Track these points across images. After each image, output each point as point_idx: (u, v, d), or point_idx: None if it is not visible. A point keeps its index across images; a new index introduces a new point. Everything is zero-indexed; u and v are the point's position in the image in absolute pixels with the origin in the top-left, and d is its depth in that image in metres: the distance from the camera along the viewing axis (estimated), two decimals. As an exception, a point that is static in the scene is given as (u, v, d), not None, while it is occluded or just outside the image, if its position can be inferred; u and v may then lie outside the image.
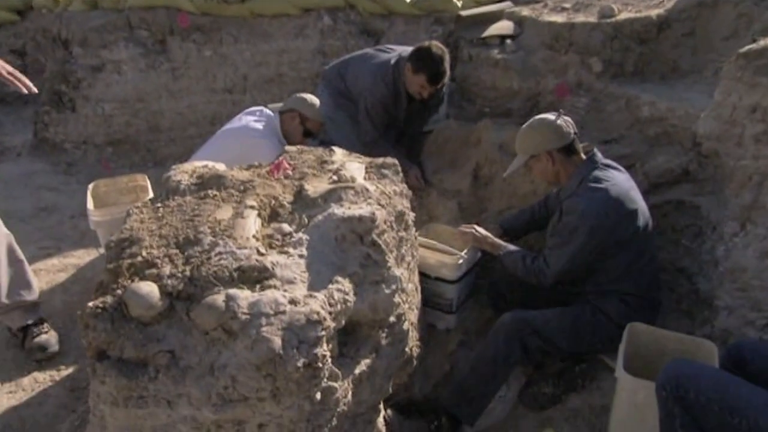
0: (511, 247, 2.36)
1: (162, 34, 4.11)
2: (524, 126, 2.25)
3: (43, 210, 3.32)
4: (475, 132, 3.21)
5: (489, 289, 2.59)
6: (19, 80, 1.90)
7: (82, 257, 2.90)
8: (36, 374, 2.15)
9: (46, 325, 2.27)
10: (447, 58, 3.03)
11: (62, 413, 2.00)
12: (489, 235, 2.41)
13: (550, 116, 2.19)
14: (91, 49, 3.96)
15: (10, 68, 1.90)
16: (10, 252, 2.17)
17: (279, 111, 3.34)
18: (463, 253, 2.42)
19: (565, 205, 2.12)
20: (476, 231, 2.42)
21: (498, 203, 2.94)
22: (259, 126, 3.21)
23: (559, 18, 3.32)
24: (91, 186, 2.73)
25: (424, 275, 2.41)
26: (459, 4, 3.96)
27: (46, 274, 2.42)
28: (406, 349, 1.97)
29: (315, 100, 3.33)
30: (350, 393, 1.65)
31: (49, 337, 2.22)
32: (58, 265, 2.80)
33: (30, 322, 2.22)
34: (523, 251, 2.32)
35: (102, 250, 2.76)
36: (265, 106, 3.44)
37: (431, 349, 2.42)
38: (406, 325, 1.94)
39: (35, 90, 1.93)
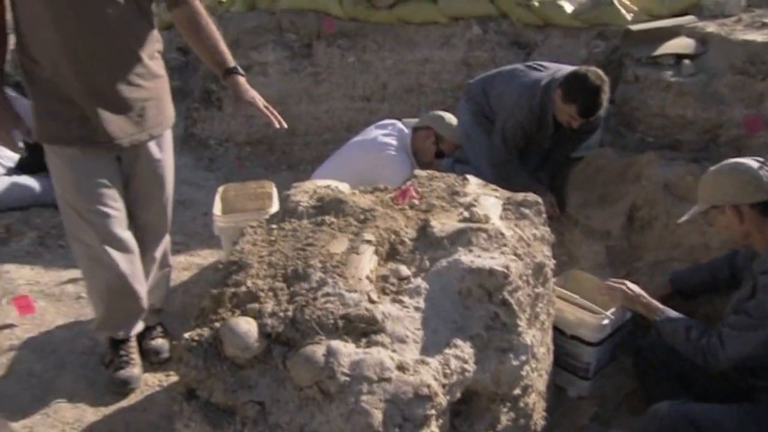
0: (671, 312, 1.95)
1: (309, 38, 4.12)
2: (713, 169, 1.83)
3: (180, 204, 3.44)
4: (635, 165, 2.77)
5: (636, 355, 2.17)
6: (273, 114, 1.98)
7: (206, 258, 2.94)
8: (147, 376, 2.15)
9: (162, 328, 2.27)
10: (606, 89, 2.61)
11: (163, 424, 1.96)
12: (643, 294, 2.01)
13: (751, 162, 1.75)
14: (242, 50, 4.07)
15: (265, 102, 1.99)
16: (164, 257, 2.22)
17: (413, 127, 3.15)
18: (609, 312, 2.04)
19: (761, 280, 1.67)
20: (628, 288, 2.03)
21: (656, 253, 2.49)
22: (391, 141, 3.05)
23: (757, 36, 2.76)
24: (220, 189, 2.74)
25: (557, 330, 2.07)
26: (629, 17, 3.49)
27: (172, 271, 2.44)
28: (531, 424, 1.66)
29: (453, 119, 3.10)
30: (458, 477, 1.40)
31: (164, 341, 2.22)
32: (183, 263, 2.85)
33: (151, 324, 2.23)
34: (687, 320, 1.90)
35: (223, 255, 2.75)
36: (400, 120, 3.28)
37: (557, 419, 2.07)
38: (533, 398, 1.63)
39: (285, 125, 1.99)
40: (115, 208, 1.91)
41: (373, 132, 3.12)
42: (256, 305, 1.39)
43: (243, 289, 1.44)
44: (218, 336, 1.34)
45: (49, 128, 1.79)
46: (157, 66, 1.92)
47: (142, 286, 2.02)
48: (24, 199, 3.14)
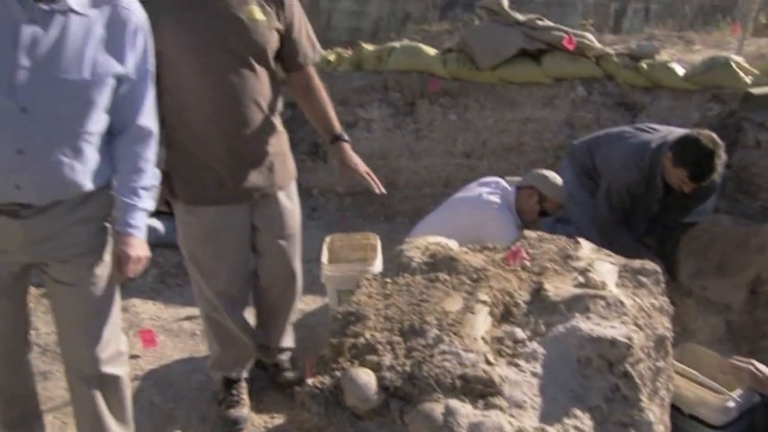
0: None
1: (412, 97, 4.29)
2: None
3: (285, 250, 3.62)
4: (759, 235, 2.61)
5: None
6: (373, 180, 2.08)
7: (309, 303, 3.05)
8: (253, 416, 2.23)
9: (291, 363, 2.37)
10: (720, 153, 2.51)
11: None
12: None
13: None
14: (349, 107, 4.30)
15: (367, 168, 2.10)
16: (293, 305, 2.32)
17: (516, 185, 3.16)
18: (735, 394, 1.90)
19: None
20: (756, 368, 1.88)
21: (785, 332, 2.31)
22: (494, 198, 3.07)
23: None
24: (327, 239, 2.86)
25: (674, 408, 1.95)
26: (747, 79, 3.37)
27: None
28: None
29: (557, 179, 3.08)
30: None
31: (294, 373, 2.32)
32: (288, 308, 2.97)
33: (282, 363, 2.34)
34: None
35: (327, 300, 2.84)
36: (502, 178, 3.31)
37: (674, 506, 1.92)
38: (650, 480, 1.53)
39: (384, 191, 2.10)
40: (239, 260, 2.03)
41: (477, 189, 3.16)
42: (374, 357, 1.43)
43: (361, 340, 1.49)
44: (339, 385, 1.38)
45: (185, 190, 1.94)
46: (280, 122, 2.07)
47: (252, 337, 2.13)
48: (149, 240, 3.43)
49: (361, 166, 2.07)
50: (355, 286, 1.98)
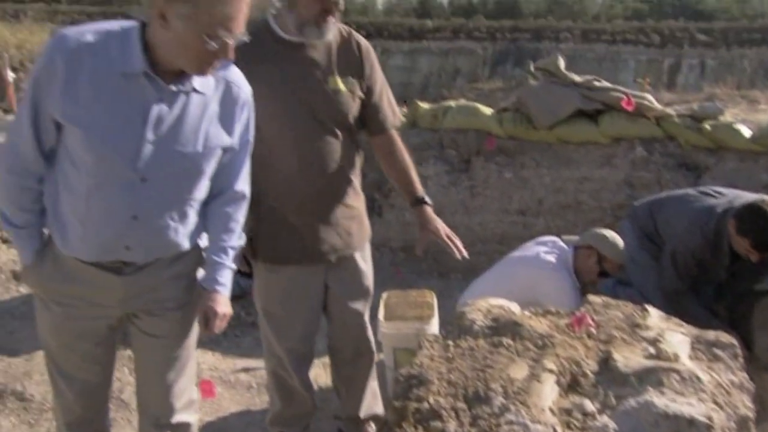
0: None
1: (468, 154, 4.34)
2: None
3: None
4: (840, 307, 2.46)
5: None
6: (455, 243, 2.10)
7: (363, 360, 3.04)
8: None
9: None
10: None
11: None
12: None
13: None
14: (405, 163, 4.39)
15: (448, 231, 2.14)
16: (370, 369, 2.27)
17: (574, 245, 3.11)
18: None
19: None
20: None
21: None
22: (551, 258, 3.02)
23: None
24: (384, 296, 2.87)
25: (754, 494, 1.81)
26: (820, 142, 3.26)
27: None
28: None
29: (618, 239, 3.02)
30: None
31: None
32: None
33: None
34: None
35: (382, 356, 2.82)
36: (560, 237, 3.27)
37: None
38: None
39: (466, 255, 2.10)
40: (311, 320, 2.06)
41: (533, 248, 3.13)
42: (439, 424, 1.42)
43: (425, 405, 1.48)
44: (403, 451, 1.37)
45: (267, 250, 2.00)
46: (359, 184, 2.12)
47: (312, 395, 2.14)
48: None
49: (443, 230, 2.08)
50: (416, 346, 1.97)
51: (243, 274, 3.27)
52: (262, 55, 1.85)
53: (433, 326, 2.66)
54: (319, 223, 1.98)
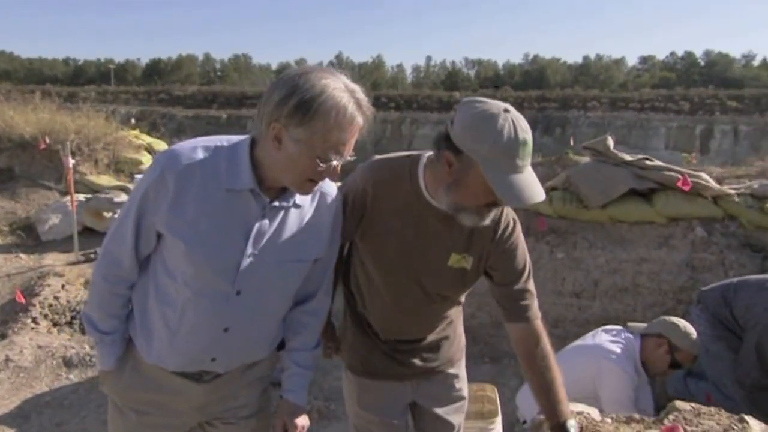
0: None
1: (518, 234, 4.26)
2: None
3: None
4: None
5: None
6: None
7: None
8: None
9: None
10: None
11: None
12: None
13: None
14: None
15: None
16: None
17: (642, 333, 2.95)
18: None
19: None
20: None
21: None
22: (616, 348, 2.85)
23: None
24: (443, 390, 2.73)
25: None
26: None
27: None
28: None
29: (690, 328, 2.85)
30: None
31: None
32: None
33: None
34: None
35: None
36: (626, 326, 3.11)
37: None
38: None
39: None
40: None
41: (598, 336, 2.97)
42: None
43: None
44: None
45: (353, 358, 1.90)
46: (457, 308, 1.90)
47: None
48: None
49: None
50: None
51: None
52: (396, 201, 1.62)
53: (497, 426, 2.50)
54: (406, 347, 1.85)
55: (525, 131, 1.39)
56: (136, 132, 8.25)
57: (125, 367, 1.51)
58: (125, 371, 1.51)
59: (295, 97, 1.26)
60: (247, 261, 1.39)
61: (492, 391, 2.79)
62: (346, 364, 1.93)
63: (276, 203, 1.41)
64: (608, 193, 3.85)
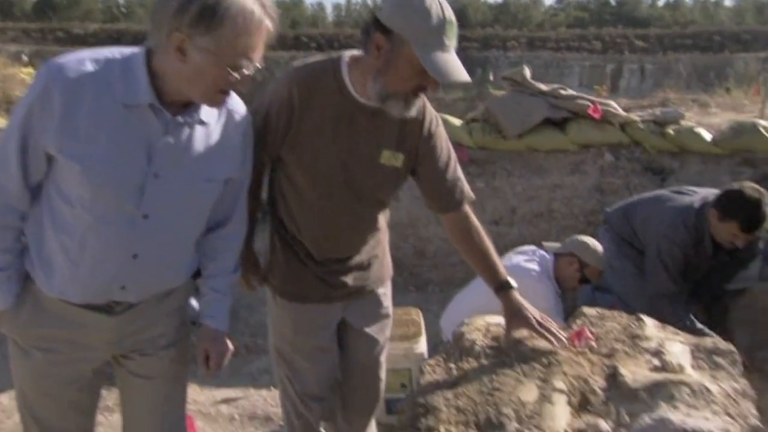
0: None
1: (438, 166, 4.32)
2: None
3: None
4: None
5: None
6: (550, 333, 1.72)
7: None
8: None
9: None
10: (766, 200, 2.51)
11: None
12: None
13: None
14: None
15: (539, 316, 1.78)
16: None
17: (555, 253, 3.12)
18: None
19: None
20: None
21: None
22: (533, 266, 3.01)
23: None
24: (368, 315, 2.79)
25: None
26: (779, 143, 3.39)
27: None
28: None
29: (598, 246, 3.03)
30: None
31: None
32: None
33: None
34: None
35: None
36: (540, 245, 3.27)
37: None
38: None
39: (565, 342, 1.70)
40: (329, 360, 1.94)
41: (514, 258, 3.11)
42: (454, 456, 1.35)
43: (437, 436, 1.41)
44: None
45: (285, 286, 1.86)
46: (384, 226, 1.94)
47: None
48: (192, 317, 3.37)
49: (534, 316, 1.79)
50: (404, 367, 1.90)
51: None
52: (321, 103, 1.61)
53: (421, 346, 2.60)
54: (337, 266, 1.84)
55: (451, 12, 1.46)
56: (30, 70, 7.53)
57: (25, 304, 1.40)
58: (25, 308, 1.41)
59: (196, 4, 1.17)
60: (152, 182, 1.31)
61: (416, 315, 2.88)
62: (276, 292, 1.90)
63: (180, 119, 1.32)
64: (525, 123, 3.95)
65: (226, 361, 1.58)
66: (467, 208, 1.86)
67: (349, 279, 1.88)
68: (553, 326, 1.77)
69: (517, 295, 1.85)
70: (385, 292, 2.03)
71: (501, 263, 1.89)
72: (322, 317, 1.90)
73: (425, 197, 1.85)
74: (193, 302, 2.88)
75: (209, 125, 1.39)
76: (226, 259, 1.57)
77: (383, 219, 1.92)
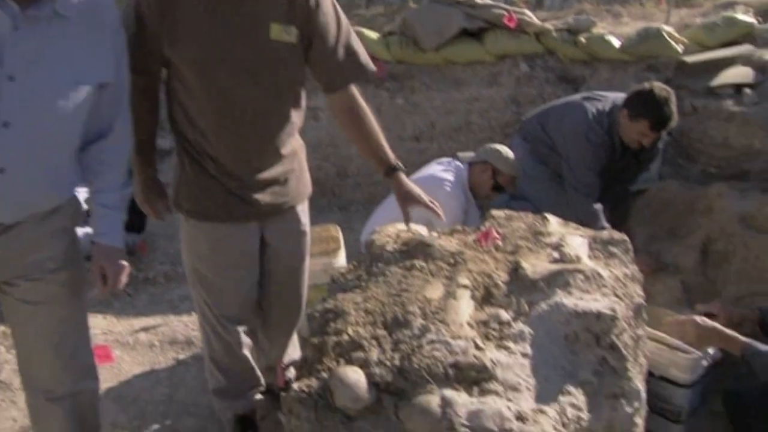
0: (759, 345, 1.86)
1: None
2: None
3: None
4: (705, 197, 2.72)
5: (726, 396, 2.08)
6: (439, 209, 1.86)
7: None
8: None
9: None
10: (673, 99, 2.63)
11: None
12: (718, 327, 1.92)
13: None
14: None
15: (429, 197, 1.88)
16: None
17: (469, 161, 3.16)
18: (701, 352, 1.97)
19: None
20: (698, 322, 1.94)
21: (737, 288, 2.41)
22: (447, 176, 3.04)
23: (822, 63, 2.72)
24: (287, 234, 2.76)
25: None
26: (680, 48, 3.49)
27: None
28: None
29: (510, 153, 3.09)
30: None
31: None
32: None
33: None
34: None
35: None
36: (455, 156, 3.30)
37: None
38: (637, 447, 1.57)
39: (443, 217, 1.87)
40: (248, 280, 1.87)
41: (430, 169, 3.13)
42: (361, 354, 1.38)
43: (345, 337, 1.43)
44: (327, 387, 1.32)
45: (197, 205, 1.76)
46: (298, 137, 1.88)
47: (256, 362, 2.01)
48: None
49: (424, 197, 1.86)
50: (325, 282, 1.91)
51: (130, 228, 3.01)
52: None
53: (341, 260, 2.61)
54: (251, 179, 1.75)
55: None
56: None
57: None
58: None
59: None
60: (7, 85, 1.19)
61: (335, 231, 2.87)
62: (188, 215, 1.81)
63: (31, 12, 1.18)
64: (442, 34, 3.87)
65: (123, 279, 1.53)
66: (355, 90, 1.80)
67: (267, 196, 1.81)
68: (439, 207, 1.88)
69: (405, 178, 1.87)
70: (303, 209, 1.99)
71: (388, 148, 1.87)
72: (239, 237, 1.84)
73: (316, 75, 1.77)
74: (82, 232, 2.74)
75: (69, 20, 1.26)
76: (111, 173, 1.49)
77: (296, 126, 1.84)
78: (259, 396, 2.06)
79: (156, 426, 2.08)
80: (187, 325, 2.66)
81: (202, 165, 1.74)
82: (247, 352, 1.98)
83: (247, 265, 1.88)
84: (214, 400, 2.00)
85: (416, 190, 1.87)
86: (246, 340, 1.97)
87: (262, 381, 2.08)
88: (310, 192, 2.01)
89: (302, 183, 1.95)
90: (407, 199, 1.86)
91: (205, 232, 1.81)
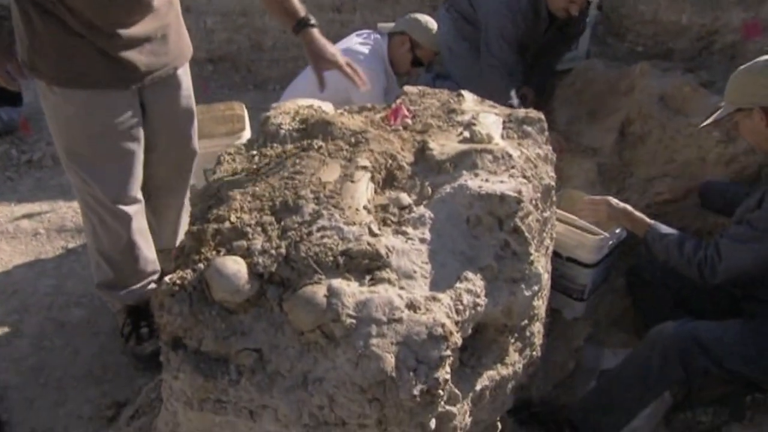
0: (663, 227, 1.87)
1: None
2: (743, 68, 1.68)
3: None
4: (627, 77, 2.63)
5: (628, 273, 2.14)
6: (357, 73, 1.74)
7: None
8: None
9: None
10: None
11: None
12: (629, 208, 1.92)
13: None
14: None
15: (347, 59, 1.73)
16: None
17: (388, 33, 2.91)
18: (607, 233, 1.97)
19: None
20: (611, 203, 1.93)
21: (648, 169, 2.41)
22: (364, 49, 2.80)
23: (760, -67, 2.57)
24: (186, 112, 2.48)
25: (553, 253, 2.00)
26: None
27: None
28: (534, 353, 1.60)
29: (431, 23, 2.85)
30: (468, 414, 1.33)
31: None
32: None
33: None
34: (680, 234, 1.82)
35: (193, 181, 2.54)
36: (376, 28, 3.03)
37: (552, 342, 2.04)
38: (537, 326, 1.56)
39: (368, 84, 1.75)
40: (132, 156, 1.66)
41: (349, 41, 2.87)
42: (243, 242, 1.24)
43: (227, 225, 1.28)
44: (204, 279, 1.19)
45: (59, 69, 1.49)
46: None
47: (152, 247, 1.83)
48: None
49: (339, 57, 1.69)
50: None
51: (2, 101, 2.63)
52: None
53: (245, 140, 2.39)
54: (121, 36, 1.51)
55: None
56: None
57: None
58: None
59: None
60: None
61: (240, 109, 2.62)
62: (50, 81, 1.54)
63: None
64: None
65: None
66: None
67: (143, 56, 1.59)
68: (359, 70, 1.72)
69: (318, 34, 1.70)
70: (186, 71, 1.81)
71: (299, 1, 1.70)
72: (116, 105, 1.61)
73: None
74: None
75: None
76: None
77: None
78: (153, 285, 1.92)
79: (38, 318, 1.92)
80: (77, 212, 2.43)
81: (57, 18, 1.47)
82: (138, 238, 1.81)
83: (129, 138, 1.67)
84: (101, 293, 1.85)
85: (331, 48, 1.69)
86: (136, 224, 1.79)
87: (158, 267, 1.93)
88: (192, 52, 1.81)
89: (183, 40, 1.75)
90: (320, 59, 1.68)
91: (75, 103, 1.57)
